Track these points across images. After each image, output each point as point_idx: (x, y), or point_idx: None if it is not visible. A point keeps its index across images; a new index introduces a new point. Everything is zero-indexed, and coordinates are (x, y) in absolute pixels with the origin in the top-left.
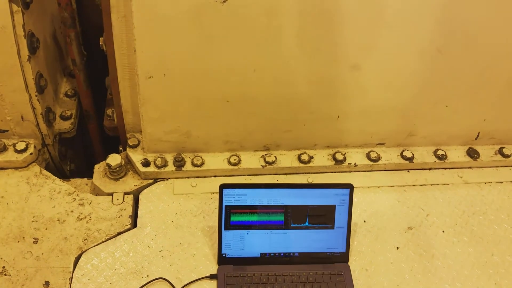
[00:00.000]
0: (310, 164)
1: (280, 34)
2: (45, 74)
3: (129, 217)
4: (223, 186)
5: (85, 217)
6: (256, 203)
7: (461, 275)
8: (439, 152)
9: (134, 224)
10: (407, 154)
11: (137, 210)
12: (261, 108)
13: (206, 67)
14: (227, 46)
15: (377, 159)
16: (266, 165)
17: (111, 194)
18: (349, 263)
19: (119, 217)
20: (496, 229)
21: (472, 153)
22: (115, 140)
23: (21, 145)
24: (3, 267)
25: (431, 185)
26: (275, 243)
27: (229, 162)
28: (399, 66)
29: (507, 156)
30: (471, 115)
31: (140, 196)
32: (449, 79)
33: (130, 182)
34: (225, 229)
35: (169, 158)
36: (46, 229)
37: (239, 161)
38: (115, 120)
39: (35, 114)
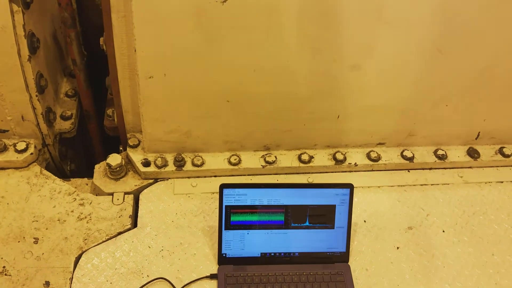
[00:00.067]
0: (310, 164)
1: (280, 34)
2: (46, 74)
3: (129, 217)
4: (223, 186)
5: (86, 217)
6: (256, 203)
7: (461, 275)
8: (439, 152)
9: (135, 224)
10: (408, 154)
11: (138, 210)
12: (261, 108)
13: (206, 67)
14: (227, 46)
15: (377, 159)
16: (266, 165)
17: (112, 194)
18: (349, 263)
19: (119, 217)
20: (497, 229)
21: (473, 153)
22: (116, 140)
23: (21, 145)
24: (4, 267)
25: (431, 185)
26: (275, 243)
27: (229, 162)
28: (399, 66)
29: (508, 156)
30: (471, 114)
31: (141, 196)
32: (449, 79)
33: (131, 182)
34: (225, 229)
35: (170, 158)
36: (47, 229)
37: (239, 161)
38: (115, 120)
39: (35, 114)
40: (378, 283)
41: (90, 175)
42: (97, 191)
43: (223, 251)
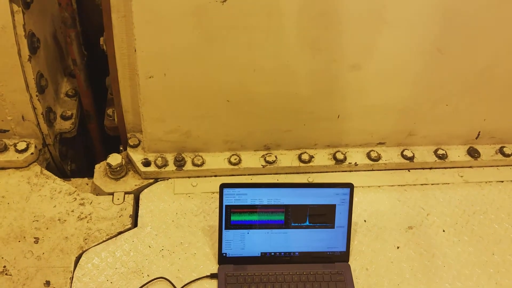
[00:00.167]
0: (311, 164)
1: (280, 34)
2: (46, 74)
3: (129, 217)
4: (223, 186)
5: (86, 217)
6: (257, 203)
7: (461, 275)
8: (440, 152)
9: (135, 224)
10: (408, 153)
11: (138, 210)
12: (261, 108)
13: (206, 67)
14: (227, 45)
15: (378, 158)
16: (267, 165)
17: (112, 193)
18: (349, 263)
19: (119, 216)
20: (497, 228)
21: (473, 153)
22: (116, 140)
23: (22, 145)
24: (4, 266)
25: (432, 184)
26: (276, 242)
27: (230, 162)
28: (399, 66)
29: (508, 156)
30: (472, 114)
31: (141, 196)
32: (449, 79)
33: (131, 182)
34: (225, 229)
35: (170, 157)
36: (47, 228)
37: (240, 161)
38: (116, 119)
39: (35, 114)
40: (378, 282)
41: (90, 175)
42: (98, 191)
43: (223, 251)
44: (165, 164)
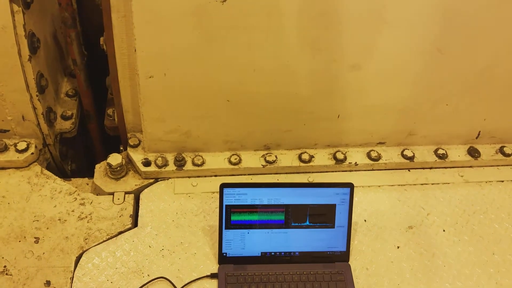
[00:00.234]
0: (311, 164)
1: (280, 34)
2: (46, 74)
3: (130, 217)
4: (223, 186)
5: (86, 217)
6: (257, 203)
7: (461, 274)
8: (440, 151)
9: (135, 224)
10: (408, 153)
11: (138, 210)
12: (261, 108)
13: (206, 67)
14: (227, 45)
15: (378, 158)
16: (267, 165)
17: (112, 193)
18: (349, 262)
19: (120, 216)
20: (497, 228)
21: (473, 152)
22: (116, 140)
23: (22, 145)
24: (5, 266)
25: (432, 184)
26: (276, 242)
27: (230, 162)
28: (399, 65)
29: (508, 155)
30: (472, 114)
31: (141, 196)
32: (449, 79)
33: (131, 182)
34: (225, 229)
35: (170, 157)
36: (47, 228)
37: (240, 161)
38: (116, 119)
39: (36, 114)
40: (379, 282)
41: (90, 174)
42: (98, 191)
43: (224, 251)
44: (165, 164)
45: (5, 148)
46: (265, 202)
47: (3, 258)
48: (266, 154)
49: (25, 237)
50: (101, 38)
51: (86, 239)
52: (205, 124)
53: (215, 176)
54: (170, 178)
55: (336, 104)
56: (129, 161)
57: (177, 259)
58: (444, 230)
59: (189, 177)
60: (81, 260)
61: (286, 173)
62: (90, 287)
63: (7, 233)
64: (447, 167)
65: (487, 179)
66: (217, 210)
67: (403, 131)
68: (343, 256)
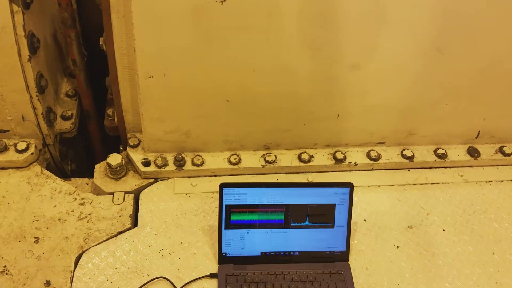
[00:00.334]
0: (310, 163)
1: (280, 34)
2: (46, 74)
3: (129, 217)
4: (223, 185)
5: (86, 217)
6: (256, 202)
7: (461, 274)
8: (440, 151)
9: (135, 224)
10: (408, 153)
11: (138, 210)
12: (261, 108)
13: (206, 66)
14: (227, 45)
15: (377, 158)
16: (266, 165)
17: (112, 193)
18: (349, 262)
19: (119, 216)
20: (497, 227)
21: (473, 152)
22: (116, 140)
23: (22, 145)
24: (5, 266)
25: (432, 184)
26: (275, 242)
27: (229, 162)
28: (399, 65)
29: (508, 155)
30: (471, 114)
31: (141, 196)
32: (449, 78)
33: (131, 182)
34: (225, 228)
35: (170, 157)
36: (47, 228)
37: (239, 161)
38: (116, 119)
39: (35, 114)
40: (378, 282)
41: (90, 174)
42: (98, 191)
43: (223, 250)
44: (165, 164)
45: (5, 148)
46: (265, 202)
47: (3, 258)
48: (266, 154)
49: (25, 237)
50: (101, 38)
51: (86, 239)
52: (204, 124)
53: (215, 176)
54: (169, 178)
55: (336, 104)
56: (129, 161)
57: (177, 259)
58: (444, 230)
59: (188, 177)
60: (81, 260)
61: (286, 173)
62: (90, 287)
63: (7, 233)
64: (447, 167)
65: (487, 179)
66: (217, 210)
67: (403, 131)
68: (343, 256)
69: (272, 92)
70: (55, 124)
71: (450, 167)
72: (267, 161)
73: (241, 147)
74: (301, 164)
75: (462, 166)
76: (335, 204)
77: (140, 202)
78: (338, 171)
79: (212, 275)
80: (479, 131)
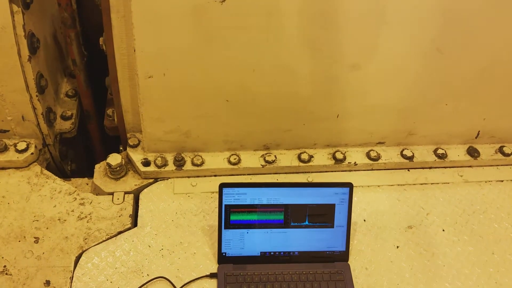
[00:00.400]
0: (310, 163)
1: (280, 34)
2: (46, 74)
3: (129, 217)
4: (223, 185)
5: (86, 217)
6: (256, 202)
7: (461, 274)
8: (439, 151)
9: (135, 223)
10: (407, 153)
11: (138, 210)
12: (261, 108)
13: (206, 66)
14: (226, 46)
15: (377, 158)
16: (266, 165)
17: (112, 193)
18: (349, 262)
19: (119, 216)
20: (497, 227)
21: (472, 152)
22: (116, 140)
23: (22, 145)
24: (4, 266)
25: (431, 184)
26: (275, 242)
27: (229, 162)
28: (399, 65)
29: (508, 155)
30: (471, 114)
31: (141, 196)
32: (449, 79)
33: (131, 182)
34: (225, 228)
35: (169, 157)
36: (47, 228)
37: (239, 161)
38: (115, 120)
39: (35, 114)
40: (378, 282)
41: (90, 175)
42: (97, 191)
43: (223, 250)
44: (165, 164)
45: (5, 148)
46: (265, 202)
47: (3, 258)
48: (266, 154)
49: (25, 237)
50: (101, 38)
51: (85, 239)
52: (204, 124)
53: (215, 176)
54: (169, 178)
55: (335, 104)
56: (129, 161)
57: (177, 258)
58: (443, 230)
59: (188, 177)
60: (80, 260)
61: (286, 173)
62: (89, 287)
63: (7, 233)
64: (447, 167)
65: (487, 179)
66: (217, 210)
67: (402, 131)
68: (343, 256)
69: (272, 92)
70: (55, 124)
71: (450, 167)
72: (267, 161)
73: (241, 147)
74: (301, 164)
75: (462, 166)
76: (334, 204)
77: (140, 202)
78: (338, 171)
79: (211, 275)
80: (479, 131)
